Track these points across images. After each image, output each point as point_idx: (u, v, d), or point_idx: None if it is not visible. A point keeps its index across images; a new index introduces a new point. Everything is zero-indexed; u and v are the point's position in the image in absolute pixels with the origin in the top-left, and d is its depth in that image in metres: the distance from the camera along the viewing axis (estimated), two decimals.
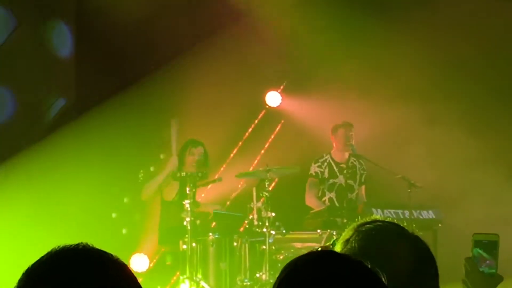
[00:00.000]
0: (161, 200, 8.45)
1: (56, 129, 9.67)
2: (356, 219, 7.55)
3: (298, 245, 7.97)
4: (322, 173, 8.92)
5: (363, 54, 10.22)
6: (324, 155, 9.00)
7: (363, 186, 9.07)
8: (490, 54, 10.57)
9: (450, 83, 10.60)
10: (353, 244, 2.42)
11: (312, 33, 10.36)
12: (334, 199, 8.87)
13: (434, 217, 8.50)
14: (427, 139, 10.45)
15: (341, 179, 8.91)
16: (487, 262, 2.68)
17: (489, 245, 2.69)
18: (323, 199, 8.85)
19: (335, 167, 8.94)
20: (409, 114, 10.37)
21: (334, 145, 9.00)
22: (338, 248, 2.46)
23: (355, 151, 8.83)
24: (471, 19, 10.61)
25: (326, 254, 1.78)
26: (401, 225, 2.53)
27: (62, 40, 9.90)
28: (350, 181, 8.94)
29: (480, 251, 2.68)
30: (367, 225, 2.55)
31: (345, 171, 8.92)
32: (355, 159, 8.98)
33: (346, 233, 2.51)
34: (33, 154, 9.47)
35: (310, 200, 8.83)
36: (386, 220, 2.52)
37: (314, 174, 8.89)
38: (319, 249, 2.05)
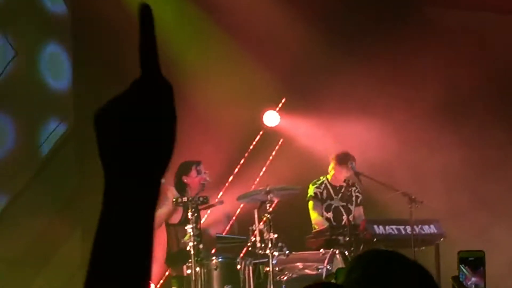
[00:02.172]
0: (165, 223, 8.42)
1: (55, 155, 9.67)
2: (358, 236, 7.51)
3: (302, 265, 7.98)
4: (321, 193, 8.96)
5: (363, 70, 10.22)
6: (321, 178, 9.05)
7: (361, 207, 9.09)
8: (487, 69, 10.63)
9: (453, 99, 10.63)
10: (356, 275, 2.44)
11: (309, 49, 10.38)
12: (332, 219, 8.89)
13: (436, 231, 8.49)
14: (429, 155, 10.48)
15: (337, 201, 8.96)
16: (473, 279, 2.64)
17: (475, 262, 2.65)
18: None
19: (331, 190, 8.99)
20: (411, 130, 10.39)
21: (335, 172, 9.01)
22: (341, 279, 2.48)
23: (355, 168, 8.83)
24: (475, 36, 10.67)
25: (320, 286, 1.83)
26: (402, 254, 2.55)
27: (59, 67, 9.93)
28: (346, 204, 8.98)
29: (466, 269, 2.65)
30: (369, 255, 2.57)
31: (341, 194, 8.96)
32: (351, 181, 8.98)
33: (349, 264, 2.54)
34: (34, 177, 9.48)
35: (318, 220, 8.84)
36: (388, 249, 2.54)
37: (314, 194, 8.92)
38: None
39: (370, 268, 2.45)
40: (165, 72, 1.23)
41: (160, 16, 9.85)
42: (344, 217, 8.90)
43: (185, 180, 8.41)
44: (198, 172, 8.40)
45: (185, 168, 8.46)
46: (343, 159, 8.94)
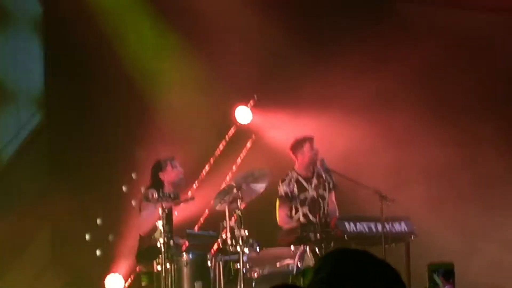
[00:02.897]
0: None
1: (28, 146, 9.62)
2: (329, 233, 7.45)
3: (272, 262, 7.96)
4: (292, 192, 8.89)
5: (336, 66, 10.21)
6: (289, 172, 8.98)
7: (333, 193, 9.05)
8: (462, 62, 10.69)
9: (421, 92, 10.68)
10: (324, 273, 2.44)
11: (282, 46, 10.37)
12: (308, 213, 8.83)
13: (406, 229, 8.51)
14: (399, 152, 10.51)
15: (311, 192, 8.88)
16: (447, 287, 2.67)
17: (445, 274, 2.69)
18: (297, 215, 8.82)
19: (303, 182, 8.92)
20: (386, 126, 10.41)
21: (298, 161, 8.98)
22: (309, 278, 2.48)
23: (326, 165, 8.81)
24: (436, 29, 10.71)
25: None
26: (370, 252, 2.55)
27: (31, 58, 9.87)
28: (320, 191, 8.89)
29: (437, 279, 2.68)
30: (337, 254, 2.57)
31: (314, 183, 8.89)
32: (320, 169, 8.94)
33: (317, 263, 2.54)
34: (4, 173, 9.43)
35: (283, 221, 8.81)
36: (355, 248, 2.54)
37: (284, 194, 8.86)
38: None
39: (338, 267, 2.45)
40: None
41: (124, 14, 9.85)
42: (321, 204, 8.79)
43: (162, 177, 8.41)
44: (173, 166, 8.42)
45: (159, 165, 8.47)
46: (296, 146, 8.96)
